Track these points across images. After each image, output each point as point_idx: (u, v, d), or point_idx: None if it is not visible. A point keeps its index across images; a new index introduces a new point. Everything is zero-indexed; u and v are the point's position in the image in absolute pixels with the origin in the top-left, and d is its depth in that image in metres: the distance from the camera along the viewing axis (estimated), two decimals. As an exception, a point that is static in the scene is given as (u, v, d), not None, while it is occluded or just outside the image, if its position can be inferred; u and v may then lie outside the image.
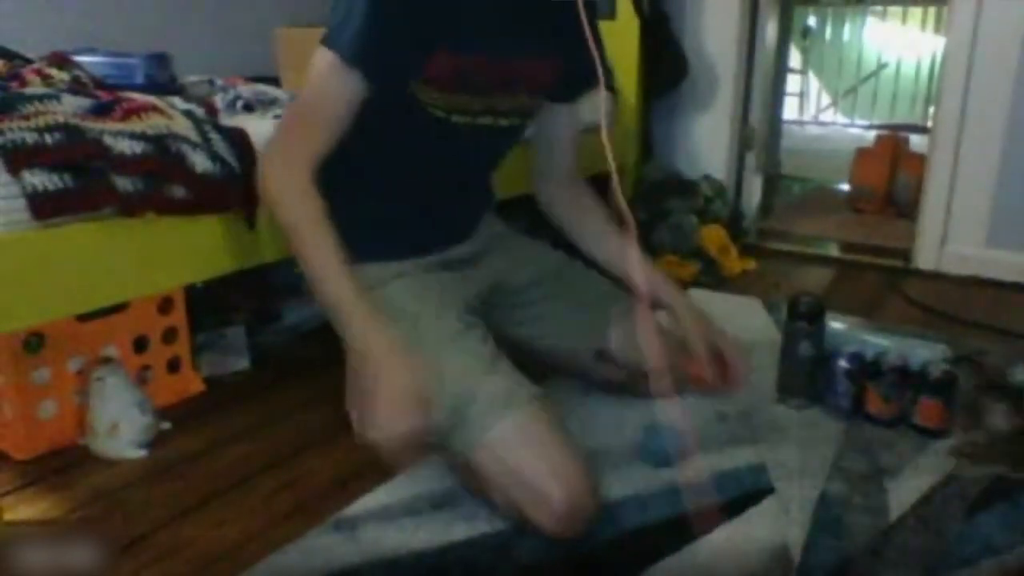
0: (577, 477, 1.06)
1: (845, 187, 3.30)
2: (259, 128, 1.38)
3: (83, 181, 1.10)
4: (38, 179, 1.06)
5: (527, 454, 1.06)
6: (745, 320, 1.90)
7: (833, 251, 2.69)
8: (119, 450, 1.30)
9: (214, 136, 1.29)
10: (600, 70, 1.12)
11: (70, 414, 1.34)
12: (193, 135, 1.26)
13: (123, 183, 1.14)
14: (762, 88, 2.74)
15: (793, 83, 5.48)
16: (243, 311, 1.71)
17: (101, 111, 1.21)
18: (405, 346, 1.04)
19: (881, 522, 1.13)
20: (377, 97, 1.08)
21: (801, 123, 5.85)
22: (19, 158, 1.06)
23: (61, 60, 1.49)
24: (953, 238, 2.36)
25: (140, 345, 1.45)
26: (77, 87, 1.37)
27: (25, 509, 1.18)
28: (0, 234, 1.04)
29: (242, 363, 1.64)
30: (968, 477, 1.23)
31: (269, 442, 1.34)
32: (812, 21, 6.04)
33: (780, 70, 3.30)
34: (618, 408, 1.43)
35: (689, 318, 1.30)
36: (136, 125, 1.20)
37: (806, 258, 2.59)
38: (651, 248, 2.30)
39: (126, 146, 1.15)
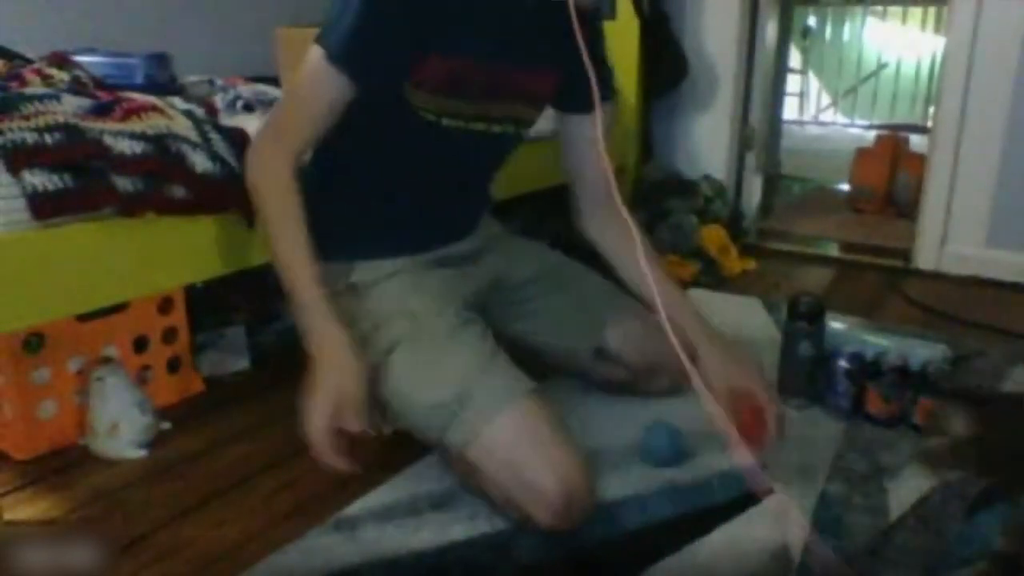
0: (574, 471, 1.07)
1: (845, 187, 3.30)
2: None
3: (83, 181, 1.10)
4: (38, 179, 1.06)
5: (524, 448, 1.06)
6: (745, 320, 1.90)
7: (833, 251, 2.69)
8: (119, 450, 1.30)
9: (214, 136, 1.29)
10: (595, 88, 1.10)
11: (70, 414, 1.34)
12: (193, 135, 1.26)
13: (123, 183, 1.14)
14: (762, 88, 2.74)
15: (793, 83, 5.48)
16: (243, 311, 1.71)
17: (101, 111, 1.21)
18: (354, 349, 1.05)
19: (881, 522, 1.13)
20: (366, 98, 1.08)
21: (801, 123, 5.85)
22: (19, 158, 1.06)
23: (61, 60, 1.49)
24: (953, 238, 2.36)
25: (140, 345, 1.45)
26: (77, 87, 1.37)
27: (25, 509, 1.18)
28: (0, 234, 1.04)
29: (242, 363, 1.64)
30: (968, 477, 1.23)
31: (269, 442, 1.34)
32: (812, 21, 6.03)
33: (780, 70, 3.30)
34: (618, 408, 1.43)
35: (719, 375, 1.18)
36: (136, 125, 1.20)
37: (806, 258, 2.59)
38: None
39: (126, 146, 1.15)
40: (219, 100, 1.59)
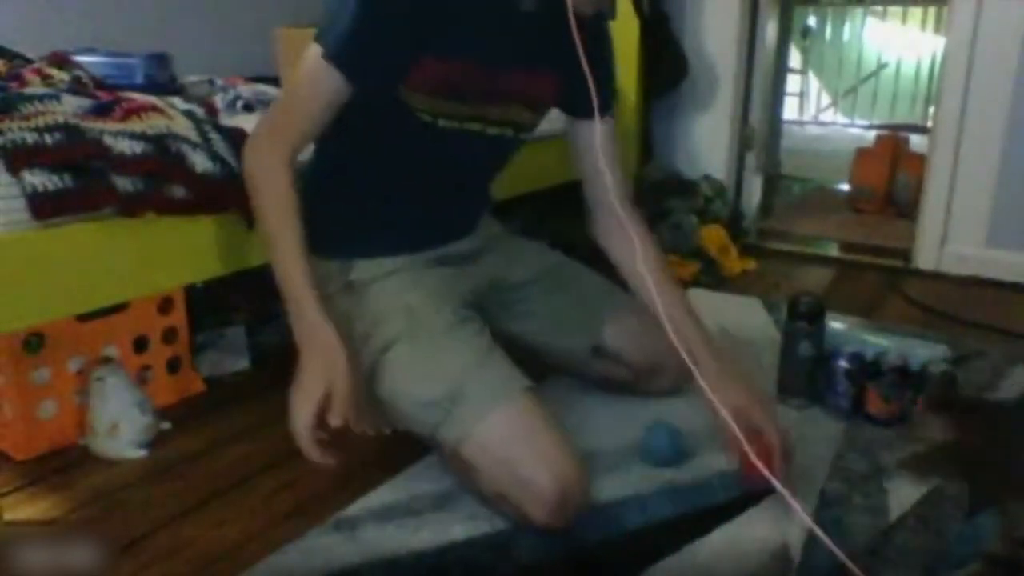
0: (569, 468, 1.06)
1: (845, 187, 3.30)
2: (259, 128, 1.37)
3: (83, 181, 1.10)
4: (38, 179, 1.06)
5: (518, 445, 1.06)
6: (745, 320, 1.90)
7: (833, 251, 2.69)
8: (119, 450, 1.30)
9: (214, 136, 1.29)
10: (594, 94, 1.10)
11: (70, 414, 1.34)
12: (193, 135, 1.26)
13: (123, 183, 1.14)
14: (762, 88, 2.74)
15: (793, 83, 5.48)
16: (243, 311, 1.72)
17: (101, 111, 1.21)
18: (341, 344, 1.05)
19: (881, 522, 1.13)
20: (363, 98, 1.08)
21: (801, 123, 5.85)
22: (19, 158, 1.06)
23: (61, 60, 1.49)
24: (953, 238, 2.36)
25: (140, 345, 1.45)
26: (77, 87, 1.37)
27: (25, 509, 1.18)
28: (0, 234, 1.04)
29: (242, 363, 1.64)
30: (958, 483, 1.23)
31: (269, 442, 1.34)
32: (812, 21, 6.03)
33: (780, 70, 3.30)
34: (618, 408, 1.43)
35: (722, 396, 1.11)
36: (136, 125, 1.20)
37: (806, 258, 2.59)
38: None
39: (126, 146, 1.15)
40: (219, 100, 1.59)
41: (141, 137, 1.18)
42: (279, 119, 1.12)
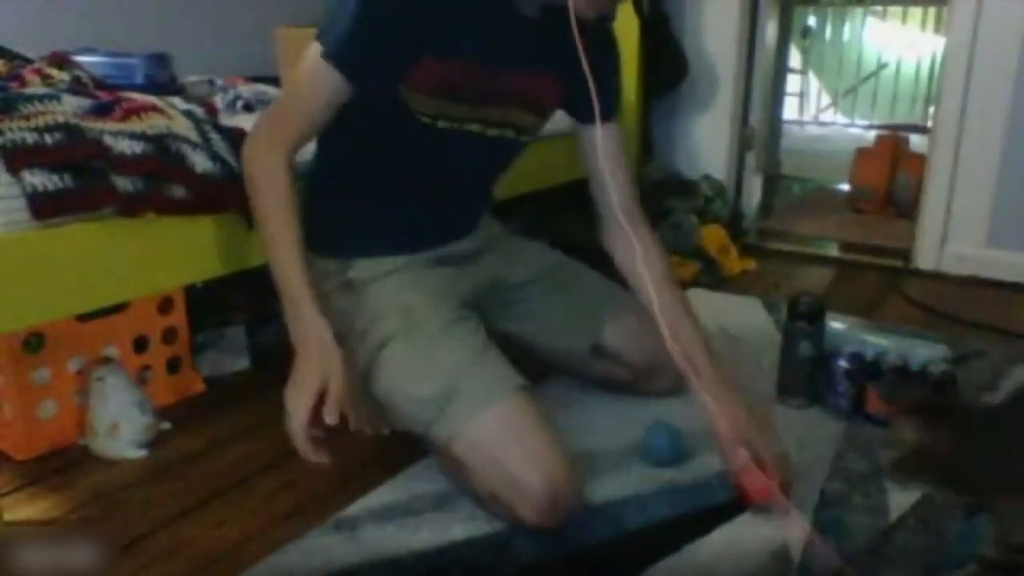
0: (559, 468, 1.06)
1: (845, 187, 3.30)
2: (259, 128, 1.37)
3: (83, 181, 1.10)
4: (38, 179, 1.06)
5: (509, 444, 1.06)
6: (745, 320, 1.90)
7: (833, 251, 2.69)
8: (119, 450, 1.31)
9: (214, 136, 1.29)
10: (596, 102, 1.09)
11: (70, 414, 1.34)
12: (193, 135, 1.26)
13: (123, 183, 1.14)
14: (762, 88, 2.74)
15: (793, 83, 5.48)
16: (243, 311, 1.72)
17: (101, 111, 1.21)
18: (336, 346, 1.05)
19: (881, 522, 1.13)
20: (363, 98, 1.08)
21: (801, 123, 5.84)
22: (19, 158, 1.06)
23: (61, 60, 1.49)
24: (953, 238, 2.36)
25: (140, 345, 1.45)
26: (77, 87, 1.36)
27: (25, 509, 1.18)
28: (0, 234, 1.04)
29: (242, 363, 1.64)
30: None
31: (269, 442, 1.33)
32: (812, 21, 6.02)
33: (780, 70, 3.30)
34: (618, 408, 1.43)
35: (727, 425, 1.14)
36: (136, 125, 1.20)
37: (806, 258, 2.59)
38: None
39: (126, 146, 1.15)
40: (219, 100, 1.59)
41: (141, 137, 1.18)
42: (278, 118, 1.12)
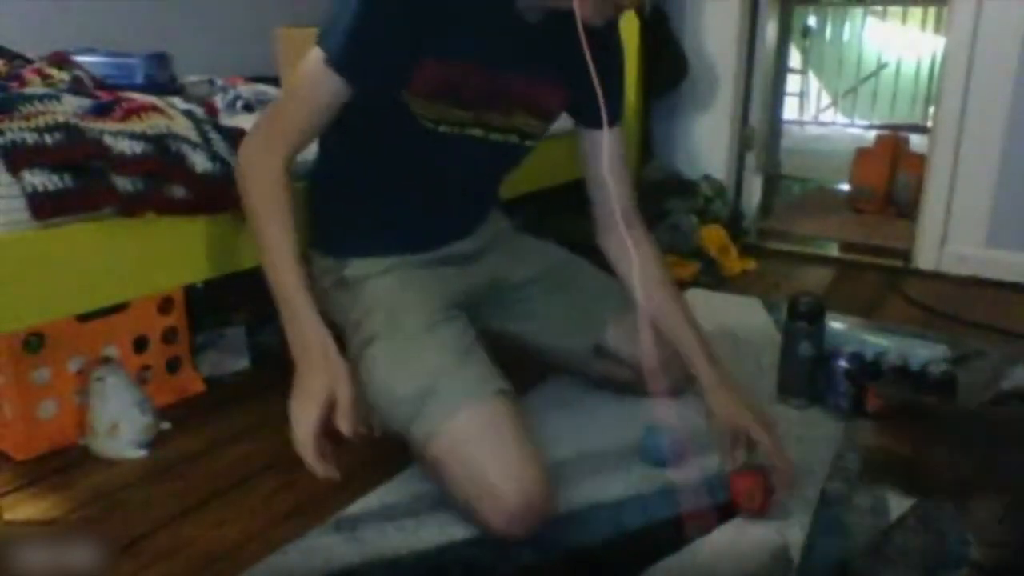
0: (532, 477, 1.04)
1: (845, 187, 3.30)
2: (259, 128, 1.37)
3: (83, 181, 1.10)
4: (38, 179, 1.06)
5: (483, 448, 1.05)
6: (745, 320, 1.90)
7: (833, 251, 2.69)
8: (119, 450, 1.30)
9: (214, 136, 1.29)
10: (603, 110, 1.09)
11: (70, 414, 1.34)
12: (193, 135, 1.26)
13: (123, 183, 1.14)
14: (762, 88, 2.74)
15: (793, 83, 5.48)
16: (243, 311, 1.72)
17: (101, 111, 1.21)
18: (339, 353, 1.03)
19: (881, 522, 1.13)
20: (363, 100, 1.07)
21: (801, 123, 5.84)
22: (19, 158, 1.06)
23: (61, 60, 1.49)
24: (953, 238, 2.36)
25: (140, 345, 1.45)
26: (77, 87, 1.37)
27: (25, 509, 1.18)
28: (0, 234, 1.04)
29: (242, 363, 1.64)
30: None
31: (269, 442, 1.34)
32: (812, 21, 6.02)
33: (780, 70, 3.30)
34: (618, 408, 1.43)
35: (720, 408, 1.19)
36: (136, 125, 1.20)
37: (806, 258, 2.59)
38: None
39: (126, 146, 1.15)
40: (219, 100, 1.59)
41: (141, 137, 1.18)
42: (276, 121, 1.11)
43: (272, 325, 1.72)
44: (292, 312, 1.04)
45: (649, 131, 2.65)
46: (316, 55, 1.05)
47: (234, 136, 1.31)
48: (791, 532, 1.10)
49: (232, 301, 1.72)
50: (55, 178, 1.07)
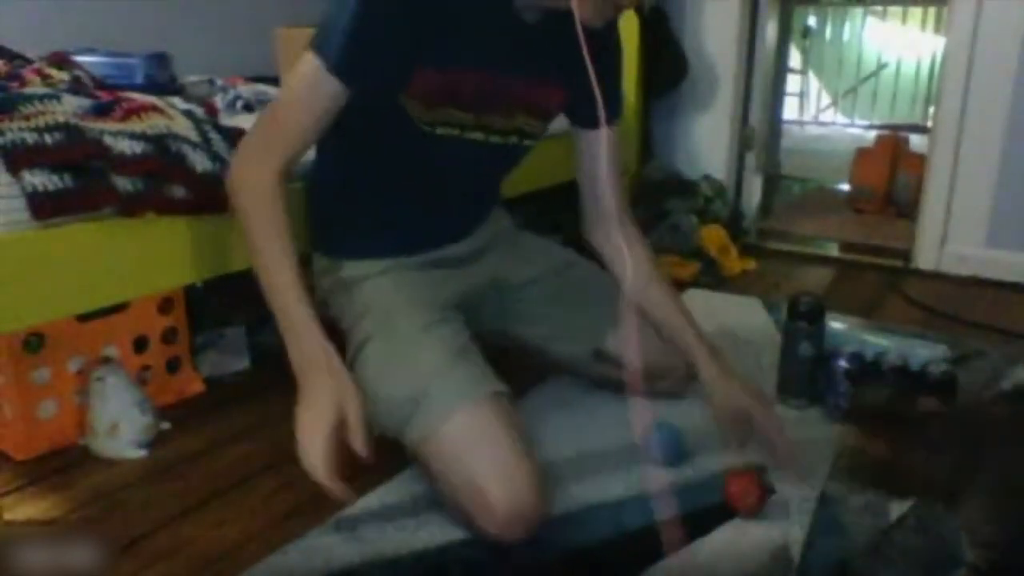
0: (524, 481, 1.03)
1: (845, 187, 3.30)
2: (259, 128, 1.37)
3: (83, 181, 1.10)
4: (38, 179, 1.06)
5: (476, 451, 1.04)
6: (745, 320, 1.90)
7: (833, 251, 2.69)
8: (119, 450, 1.30)
9: (214, 136, 1.29)
10: (601, 111, 1.08)
11: (70, 414, 1.34)
12: (193, 135, 1.26)
13: (123, 183, 1.14)
14: (762, 88, 2.74)
15: (793, 83, 5.48)
16: (243, 311, 1.71)
17: (101, 111, 1.21)
18: (345, 369, 1.01)
19: (881, 522, 1.13)
20: (361, 100, 1.06)
21: (801, 123, 5.84)
22: (19, 158, 1.06)
23: (61, 60, 1.49)
24: (953, 238, 2.36)
25: (140, 345, 1.45)
26: (77, 87, 1.37)
27: (25, 509, 1.18)
28: (0, 234, 1.04)
29: (242, 363, 1.64)
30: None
31: (269, 442, 1.34)
32: (812, 21, 6.02)
33: (780, 70, 3.30)
34: (618, 408, 1.42)
35: (719, 393, 1.22)
36: (136, 125, 1.20)
37: (806, 258, 2.59)
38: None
39: (126, 146, 1.15)
40: (219, 100, 1.59)
41: (141, 137, 1.18)
42: (270, 129, 1.07)
43: (272, 325, 1.73)
44: (293, 329, 1.01)
45: (649, 131, 2.65)
46: (311, 59, 1.03)
47: (234, 136, 1.31)
48: (791, 532, 1.10)
49: (232, 301, 1.72)
50: (55, 178, 1.07)
